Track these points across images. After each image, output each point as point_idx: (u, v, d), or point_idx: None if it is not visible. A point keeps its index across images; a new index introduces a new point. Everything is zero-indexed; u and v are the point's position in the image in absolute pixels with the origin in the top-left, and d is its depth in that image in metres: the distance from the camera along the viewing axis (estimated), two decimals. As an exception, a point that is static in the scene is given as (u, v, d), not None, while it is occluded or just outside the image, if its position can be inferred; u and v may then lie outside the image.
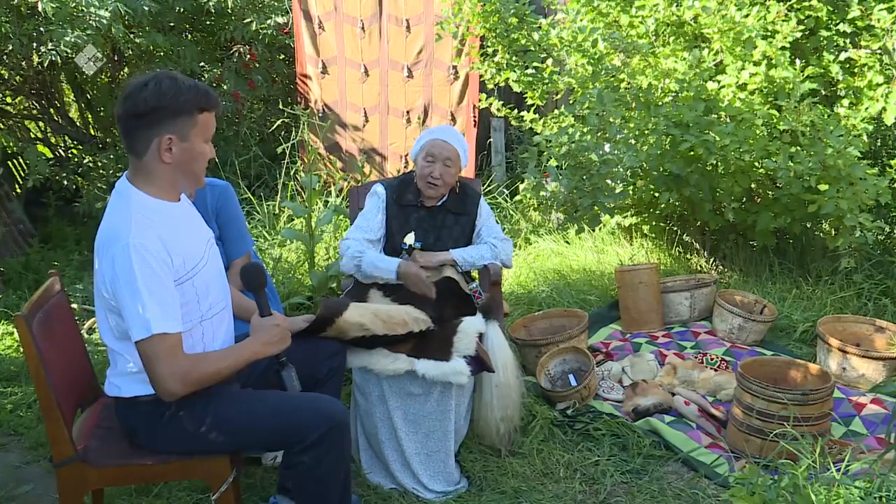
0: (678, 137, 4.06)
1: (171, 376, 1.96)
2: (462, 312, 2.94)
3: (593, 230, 4.86)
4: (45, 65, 5.00)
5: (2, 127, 5.73)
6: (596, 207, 3.81)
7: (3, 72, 5.82)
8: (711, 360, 3.76)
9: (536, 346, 3.71)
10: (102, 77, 6.53)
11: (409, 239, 3.15)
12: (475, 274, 3.44)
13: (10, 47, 4.68)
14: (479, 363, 2.79)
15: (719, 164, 4.09)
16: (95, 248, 2.03)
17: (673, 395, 3.43)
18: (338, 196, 5.18)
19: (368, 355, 2.75)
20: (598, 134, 3.94)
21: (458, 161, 3.15)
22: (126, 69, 6.45)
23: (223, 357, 2.11)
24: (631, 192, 4.52)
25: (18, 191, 6.12)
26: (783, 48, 4.22)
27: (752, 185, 4.39)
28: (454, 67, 5.90)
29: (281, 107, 5.41)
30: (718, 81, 4.33)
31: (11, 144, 5.66)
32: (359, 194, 3.54)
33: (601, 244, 5.29)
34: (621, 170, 3.78)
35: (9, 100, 6.18)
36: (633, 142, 4.19)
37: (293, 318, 2.66)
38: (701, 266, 4.88)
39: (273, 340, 2.20)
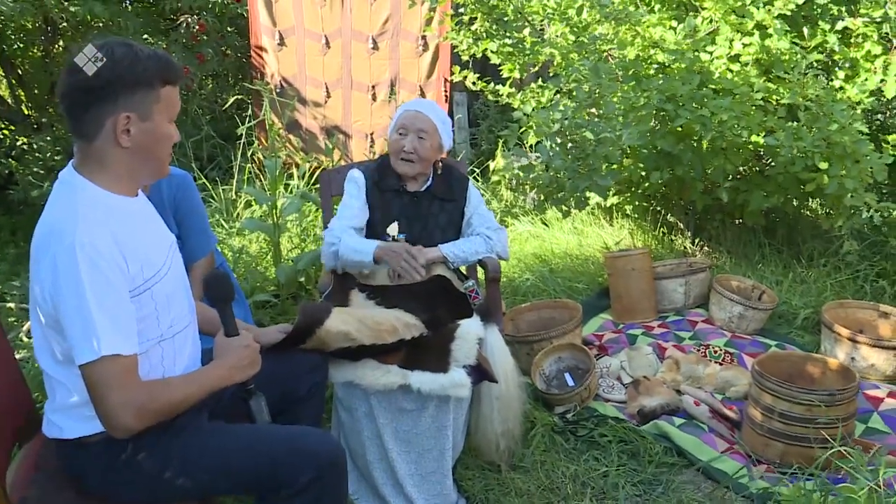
0: (672, 113, 3.77)
1: (123, 407, 1.59)
2: (458, 315, 2.61)
3: (580, 210, 4.56)
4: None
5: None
6: (589, 189, 3.50)
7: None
8: (714, 352, 3.51)
9: (528, 343, 3.40)
10: (34, 51, 5.99)
11: (393, 230, 2.82)
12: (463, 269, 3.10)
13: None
14: (481, 373, 2.47)
15: (716, 140, 3.82)
16: (32, 250, 1.65)
17: (679, 392, 3.18)
18: (300, 179, 4.77)
19: (354, 368, 2.41)
20: (590, 110, 3.62)
21: (434, 134, 2.81)
22: (61, 41, 5.91)
23: (185, 384, 1.75)
24: (618, 171, 4.23)
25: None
26: (780, 16, 3.95)
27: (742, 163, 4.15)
28: (423, 38, 5.51)
29: (233, 82, 4.96)
30: (710, 53, 4.04)
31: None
32: (330, 180, 3.16)
33: (580, 225, 5.02)
34: (613, 149, 3.47)
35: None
36: (621, 118, 3.88)
37: (266, 330, 2.31)
38: (686, 247, 4.64)
39: (242, 364, 1.86)
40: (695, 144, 4.03)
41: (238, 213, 4.68)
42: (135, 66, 1.62)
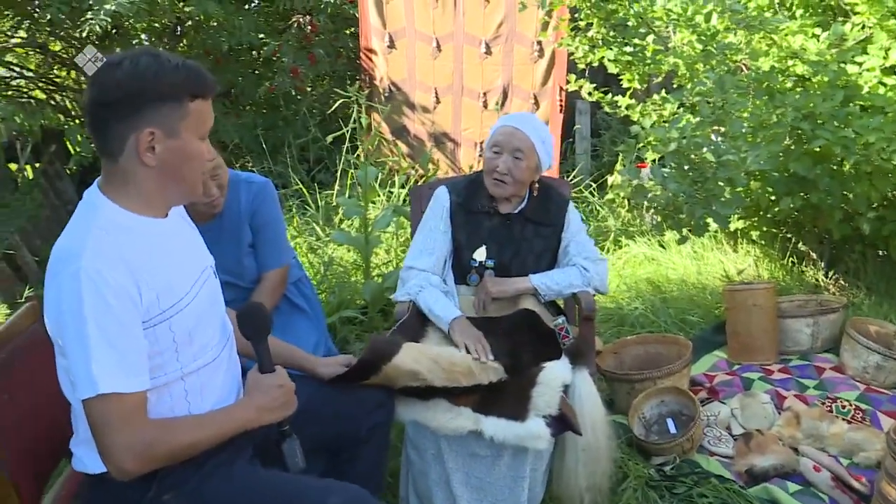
0: (808, 133, 3.35)
1: (124, 449, 1.47)
2: (543, 356, 2.35)
3: (699, 237, 4.19)
4: (87, 34, 4.56)
5: (53, 103, 5.39)
6: (708, 216, 3.15)
7: (53, 45, 5.48)
8: (843, 407, 3.08)
9: (630, 382, 3.10)
10: (160, 49, 6.13)
11: (480, 255, 2.59)
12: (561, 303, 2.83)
13: (48, 17, 4.27)
14: (563, 423, 2.21)
15: (860, 164, 3.37)
16: (46, 273, 1.55)
17: (796, 452, 2.79)
18: (402, 187, 4.61)
19: (424, 408, 2.20)
20: (713, 127, 3.27)
21: (532, 154, 2.55)
22: (184, 41, 6.03)
23: (201, 425, 1.60)
24: (744, 195, 3.83)
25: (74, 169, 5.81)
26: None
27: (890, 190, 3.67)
28: (539, 43, 5.24)
29: (340, 86, 4.87)
30: (859, 64, 3.58)
31: (60, 120, 5.31)
32: (422, 196, 2.97)
33: (700, 249, 4.63)
34: (737, 172, 3.10)
35: (62, 73, 5.85)
36: (750, 137, 3.49)
37: (327, 360, 2.17)
38: (818, 280, 4.18)
39: (272, 406, 1.69)
40: (834, 168, 3.59)
41: (340, 220, 4.57)
42: (159, 78, 1.49)
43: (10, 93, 5.46)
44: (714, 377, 3.41)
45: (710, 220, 3.39)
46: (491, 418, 2.17)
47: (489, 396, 2.23)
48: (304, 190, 4.58)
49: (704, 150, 3.05)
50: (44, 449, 1.79)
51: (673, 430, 2.92)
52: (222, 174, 2.41)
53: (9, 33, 5.37)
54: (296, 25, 5.68)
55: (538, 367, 2.29)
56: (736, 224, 4.36)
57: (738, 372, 3.43)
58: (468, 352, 2.33)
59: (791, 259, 4.32)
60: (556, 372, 2.27)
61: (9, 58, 5.25)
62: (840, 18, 3.84)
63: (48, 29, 5.05)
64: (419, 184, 3.10)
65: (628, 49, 4.14)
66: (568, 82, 4.63)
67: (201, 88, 1.55)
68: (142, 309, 1.51)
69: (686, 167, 3.09)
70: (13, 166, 5.30)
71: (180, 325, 1.59)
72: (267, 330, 1.78)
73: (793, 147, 3.58)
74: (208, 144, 1.64)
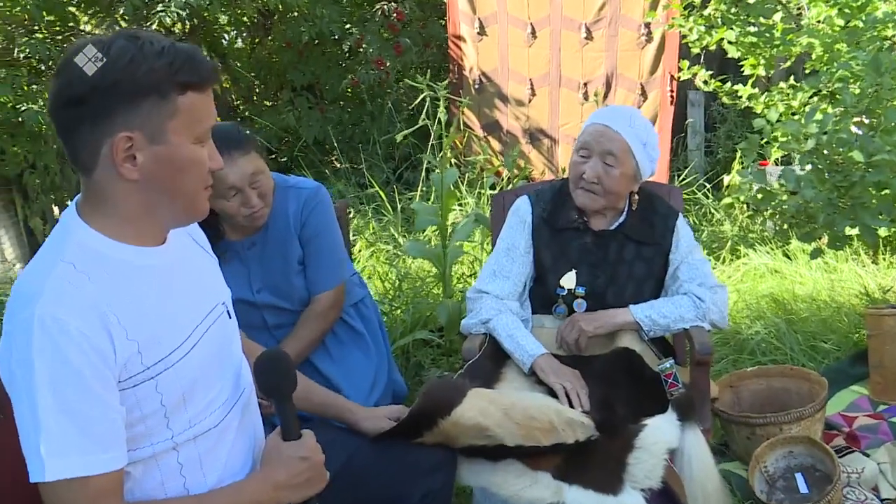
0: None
1: None
2: (644, 410, 1.92)
3: (837, 251, 3.62)
4: (157, 27, 4.40)
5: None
6: (853, 228, 2.63)
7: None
8: None
9: (749, 426, 2.61)
10: (248, 43, 5.99)
11: (568, 281, 2.19)
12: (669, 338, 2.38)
13: (122, 10, 4.12)
14: (667, 498, 1.79)
15: None
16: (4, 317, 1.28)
17: (968, 527, 2.25)
18: (492, 189, 4.22)
19: (492, 471, 1.82)
20: (857, 119, 2.73)
21: (627, 159, 2.13)
22: (271, 35, 5.85)
23: None
24: (892, 199, 3.25)
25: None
26: None
27: None
28: (647, 25, 4.74)
29: (429, 78, 4.53)
30: None
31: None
32: (504, 204, 2.58)
33: (833, 260, 4.04)
34: (892, 174, 2.56)
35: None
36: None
37: (373, 412, 1.82)
38: (985, 300, 3.54)
39: (294, 483, 1.36)
40: None
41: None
42: (136, 66, 1.16)
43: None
44: (853, 419, 2.88)
45: (851, 231, 2.86)
46: (576, 488, 1.78)
47: (574, 460, 1.83)
48: (381, 192, 4.24)
49: (850, 148, 2.52)
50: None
51: (804, 488, 2.45)
52: (264, 181, 2.10)
53: (93, 32, 5.31)
54: (380, 13, 5.39)
55: (638, 424, 1.87)
56: (879, 231, 3.76)
57: (885, 415, 2.88)
58: (567, 397, 1.94)
59: (949, 273, 3.70)
60: (660, 433, 1.85)
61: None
62: None
63: (123, 25, 4.95)
64: (504, 189, 2.69)
65: (752, 29, 3.60)
66: (680, 70, 4.13)
67: (193, 77, 1.21)
68: (116, 367, 1.19)
69: (826, 169, 2.57)
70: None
71: (170, 385, 1.26)
72: (291, 387, 1.44)
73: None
74: (212, 147, 1.29)
